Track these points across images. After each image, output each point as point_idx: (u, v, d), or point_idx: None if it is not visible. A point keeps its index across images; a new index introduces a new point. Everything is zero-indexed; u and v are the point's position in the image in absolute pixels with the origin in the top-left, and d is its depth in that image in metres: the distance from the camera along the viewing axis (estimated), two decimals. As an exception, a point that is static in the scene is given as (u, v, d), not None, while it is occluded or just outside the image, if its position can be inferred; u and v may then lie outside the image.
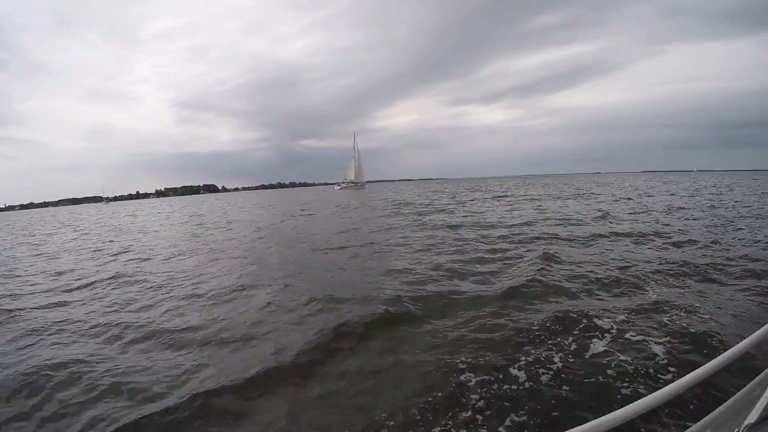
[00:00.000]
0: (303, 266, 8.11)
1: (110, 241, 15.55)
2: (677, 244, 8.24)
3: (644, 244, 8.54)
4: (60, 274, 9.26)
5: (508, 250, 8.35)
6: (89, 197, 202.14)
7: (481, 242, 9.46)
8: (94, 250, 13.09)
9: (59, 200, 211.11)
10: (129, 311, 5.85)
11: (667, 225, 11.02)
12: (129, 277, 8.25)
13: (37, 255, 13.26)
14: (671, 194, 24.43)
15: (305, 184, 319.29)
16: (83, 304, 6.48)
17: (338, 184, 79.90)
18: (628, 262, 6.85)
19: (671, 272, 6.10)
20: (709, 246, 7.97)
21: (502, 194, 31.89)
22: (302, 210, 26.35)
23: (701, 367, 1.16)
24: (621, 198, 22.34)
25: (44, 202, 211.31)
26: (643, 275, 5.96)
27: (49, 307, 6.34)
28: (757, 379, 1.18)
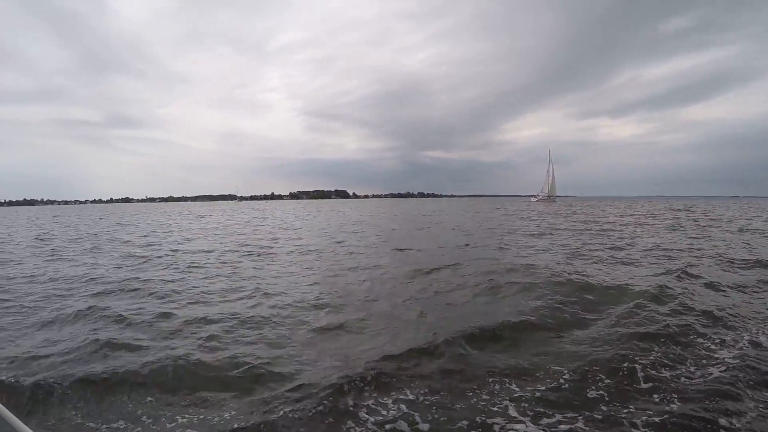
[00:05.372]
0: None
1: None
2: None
3: None
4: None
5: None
6: (224, 195, 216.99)
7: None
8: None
9: (196, 196, 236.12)
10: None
11: None
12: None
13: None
14: None
15: (433, 195, 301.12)
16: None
17: (534, 196, 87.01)
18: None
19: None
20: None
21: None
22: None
23: None
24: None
25: (183, 196, 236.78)
26: None
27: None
28: None
